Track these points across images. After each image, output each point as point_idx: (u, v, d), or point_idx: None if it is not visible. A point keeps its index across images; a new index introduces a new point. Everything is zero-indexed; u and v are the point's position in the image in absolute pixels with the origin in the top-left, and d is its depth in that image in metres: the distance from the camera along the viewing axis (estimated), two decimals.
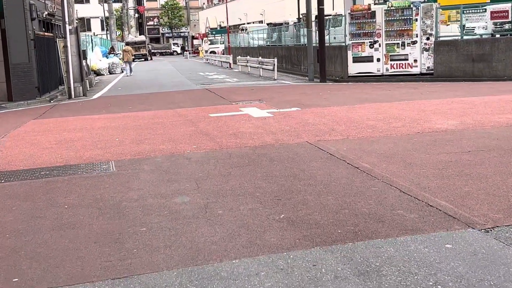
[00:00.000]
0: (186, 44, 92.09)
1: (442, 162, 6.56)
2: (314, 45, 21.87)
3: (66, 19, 18.92)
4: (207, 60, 48.06)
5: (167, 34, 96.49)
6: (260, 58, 27.78)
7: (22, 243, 4.56)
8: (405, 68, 19.57)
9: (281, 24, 36.52)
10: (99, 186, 6.29)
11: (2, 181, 6.76)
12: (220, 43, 58.03)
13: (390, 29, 19.60)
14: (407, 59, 19.51)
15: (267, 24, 43.93)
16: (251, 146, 8.15)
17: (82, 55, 20.30)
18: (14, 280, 3.84)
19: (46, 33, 20.61)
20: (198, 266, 3.88)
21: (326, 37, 21.70)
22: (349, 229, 4.46)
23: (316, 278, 3.61)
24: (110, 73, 36.15)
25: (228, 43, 46.70)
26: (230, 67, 35.81)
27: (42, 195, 6.00)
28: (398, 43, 19.57)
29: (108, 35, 57.30)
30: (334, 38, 23.16)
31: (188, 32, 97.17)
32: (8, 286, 3.75)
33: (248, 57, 31.89)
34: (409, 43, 19.42)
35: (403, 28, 19.50)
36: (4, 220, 5.20)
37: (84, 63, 23.85)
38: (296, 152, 7.54)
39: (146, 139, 9.19)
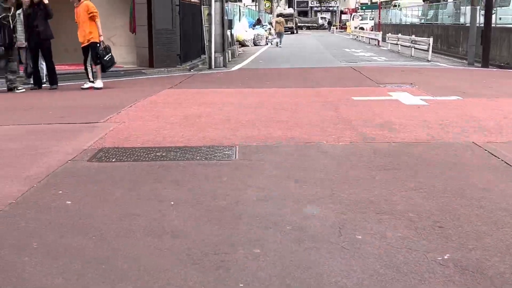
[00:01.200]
0: (334, 18, 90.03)
1: None
2: (478, 25, 19.50)
3: None
4: (355, 36, 46.25)
5: (315, 8, 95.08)
6: (413, 36, 25.57)
7: (107, 251, 3.64)
8: None
9: (439, 0, 33.68)
10: (215, 178, 5.28)
11: (113, 160, 6.00)
12: (370, 19, 55.79)
13: None
14: None
15: (423, 0, 41.01)
16: (401, 142, 6.72)
17: (226, 24, 19.67)
18: None
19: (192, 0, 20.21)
20: None
21: (492, 17, 19.21)
22: None
23: None
24: (255, 44, 35.88)
25: (379, 19, 44.47)
26: (378, 44, 33.90)
27: (149, 184, 5.11)
28: None
29: (257, 7, 57.06)
30: (500, 18, 20.61)
31: (337, 6, 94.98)
32: None
33: (399, 34, 29.71)
34: None
35: None
36: (97, 214, 4.34)
37: (228, 33, 23.33)
38: (461, 157, 6.00)
39: (278, 121, 8.08)
